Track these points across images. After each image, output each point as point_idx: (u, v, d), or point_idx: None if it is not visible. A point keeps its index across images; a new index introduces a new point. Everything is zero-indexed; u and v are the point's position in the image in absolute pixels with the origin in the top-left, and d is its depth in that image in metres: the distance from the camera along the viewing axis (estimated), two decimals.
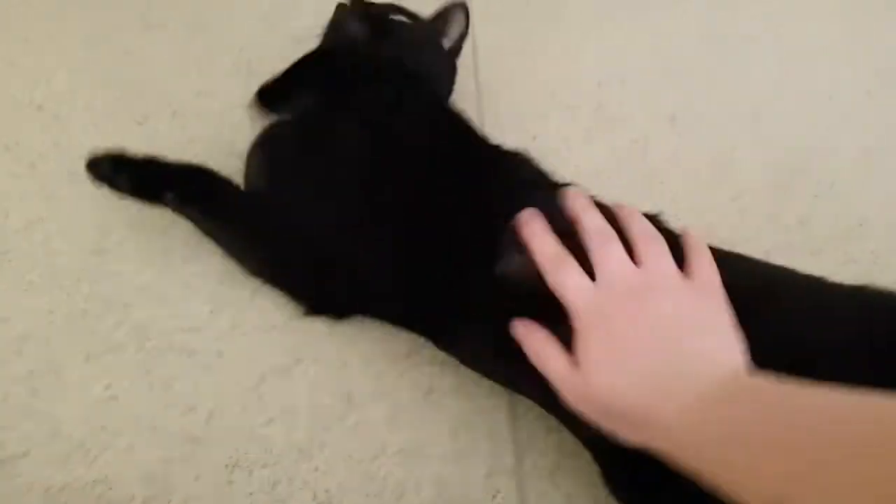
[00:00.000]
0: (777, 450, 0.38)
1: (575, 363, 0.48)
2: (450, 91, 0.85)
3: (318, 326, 0.71)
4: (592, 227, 0.53)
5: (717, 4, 1.07)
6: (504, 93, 0.93)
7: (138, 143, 0.82)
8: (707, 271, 0.51)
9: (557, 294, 0.51)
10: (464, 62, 0.96)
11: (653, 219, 0.57)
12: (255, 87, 0.80)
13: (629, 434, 0.47)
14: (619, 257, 0.51)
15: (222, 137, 0.85)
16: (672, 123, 0.91)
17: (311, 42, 0.84)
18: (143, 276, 0.74)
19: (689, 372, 0.45)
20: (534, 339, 0.52)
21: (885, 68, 1.00)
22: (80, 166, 0.69)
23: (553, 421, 0.63)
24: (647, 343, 0.47)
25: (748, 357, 0.47)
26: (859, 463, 0.34)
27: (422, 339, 0.70)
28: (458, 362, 0.68)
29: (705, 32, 1.03)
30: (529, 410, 0.66)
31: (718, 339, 0.48)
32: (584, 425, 0.50)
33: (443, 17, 0.85)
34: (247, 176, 0.75)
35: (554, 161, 0.85)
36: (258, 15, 1.00)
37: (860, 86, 0.97)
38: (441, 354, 0.69)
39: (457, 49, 0.86)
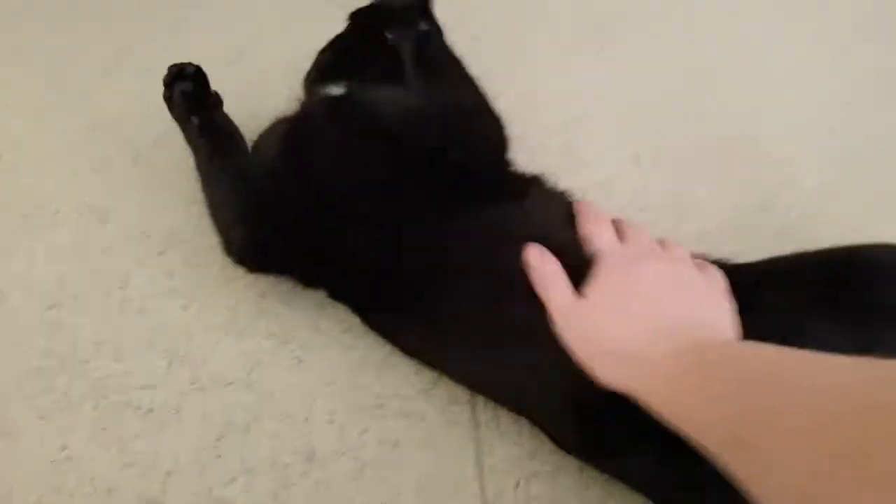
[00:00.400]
0: (741, 392, 0.42)
1: (577, 296, 0.53)
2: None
3: (280, 380, 0.69)
4: (599, 213, 0.61)
5: (679, 40, 1.08)
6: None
7: (97, 190, 0.82)
8: (715, 272, 0.58)
9: (587, 240, 0.57)
10: None
11: None
12: None
13: (609, 371, 0.50)
14: (641, 232, 0.59)
15: (181, 185, 0.84)
16: (636, 163, 0.91)
17: (275, 79, 0.82)
18: (99, 331, 0.72)
19: (682, 327, 0.50)
20: (544, 267, 0.55)
21: (849, 102, 1.01)
22: (36, 213, 0.68)
23: (521, 475, 0.62)
24: (652, 295, 0.52)
25: (738, 330, 0.52)
26: (813, 413, 0.36)
27: (389, 390, 0.69)
28: (424, 413, 0.67)
29: (668, 68, 1.04)
30: (498, 463, 0.64)
31: (716, 312, 0.53)
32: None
33: None
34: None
35: None
36: (224, 58, 0.99)
37: (823, 122, 0.98)
38: (408, 405, 0.68)
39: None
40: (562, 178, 0.88)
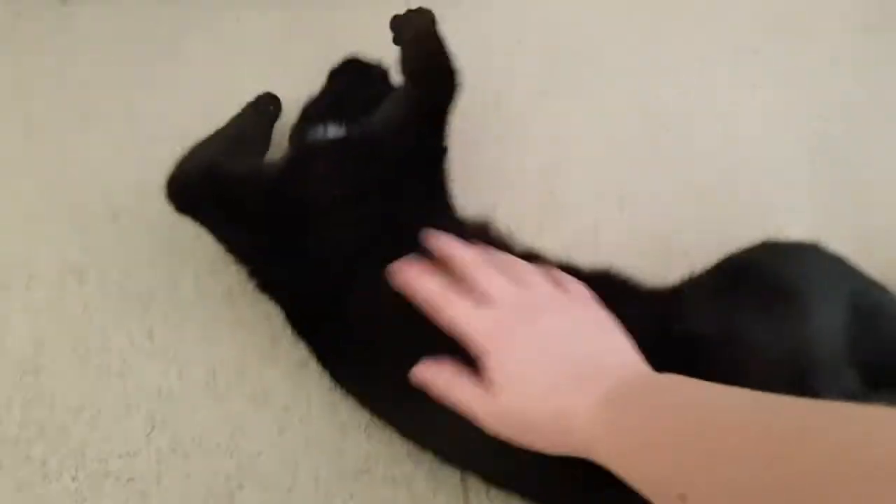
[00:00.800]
0: (676, 443, 0.41)
1: (485, 387, 0.51)
2: None
3: (263, 444, 0.68)
4: (466, 258, 0.57)
5: (652, 84, 1.08)
6: (452, 182, 0.92)
7: (74, 248, 0.80)
8: (579, 287, 0.57)
9: (452, 329, 0.53)
10: None
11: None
12: None
13: (550, 445, 0.49)
14: (499, 280, 0.55)
15: (161, 241, 0.83)
16: (621, 208, 0.90)
17: None
18: (78, 396, 0.70)
19: (593, 373, 0.48)
20: (439, 376, 0.53)
21: (829, 137, 1.02)
22: (10, 275, 0.66)
23: None
24: (548, 351, 0.50)
25: (639, 353, 0.51)
26: (752, 460, 0.36)
27: (375, 453, 0.68)
28: (411, 477, 0.66)
29: (646, 109, 1.03)
30: None
31: (612, 341, 0.52)
32: None
33: None
34: None
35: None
36: (200, 105, 0.98)
37: (805, 160, 0.98)
38: (395, 469, 0.67)
39: None
40: (546, 224, 0.88)
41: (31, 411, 0.69)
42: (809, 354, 0.58)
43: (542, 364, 0.50)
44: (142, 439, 0.68)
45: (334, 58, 1.01)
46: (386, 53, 0.98)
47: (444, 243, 0.60)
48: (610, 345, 0.53)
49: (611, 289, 0.61)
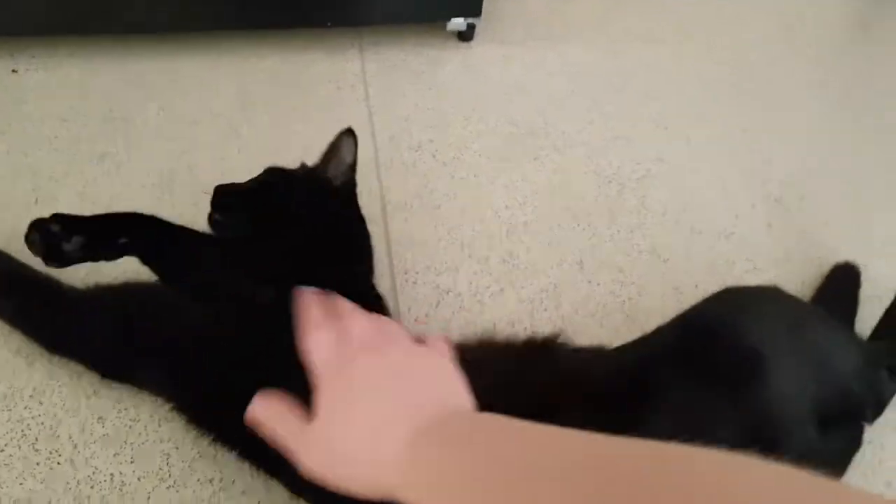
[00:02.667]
0: (488, 484, 0.40)
1: (308, 420, 0.50)
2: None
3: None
4: (318, 306, 0.57)
5: (607, 147, 1.10)
6: (415, 248, 0.93)
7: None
8: (436, 340, 0.55)
9: (303, 355, 0.53)
10: (373, 218, 0.95)
11: None
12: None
13: (365, 487, 0.47)
14: (355, 320, 0.55)
15: None
16: (581, 269, 0.91)
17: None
18: (25, 488, 0.67)
19: (412, 412, 0.47)
20: (268, 409, 0.52)
21: (783, 196, 1.04)
22: None
23: None
24: (372, 391, 0.49)
25: (472, 401, 0.50)
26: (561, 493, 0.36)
27: None
28: None
29: (600, 173, 1.05)
30: None
31: (443, 385, 0.51)
32: None
33: (334, 148, 0.86)
34: None
35: (467, 315, 0.85)
36: (154, 181, 0.97)
37: (761, 218, 1.00)
38: None
39: (348, 179, 0.86)
40: (507, 286, 0.88)
41: None
42: (774, 422, 0.58)
43: (366, 399, 0.49)
44: None
45: (287, 124, 1.03)
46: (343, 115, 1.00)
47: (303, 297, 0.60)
48: (436, 386, 0.52)
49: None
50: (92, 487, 0.68)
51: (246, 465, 0.70)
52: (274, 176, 0.85)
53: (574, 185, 1.03)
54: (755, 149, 1.13)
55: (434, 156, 1.07)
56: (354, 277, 0.78)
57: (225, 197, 0.82)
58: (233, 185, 0.84)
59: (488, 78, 1.22)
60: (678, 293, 0.89)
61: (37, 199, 0.94)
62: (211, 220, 0.83)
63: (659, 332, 0.70)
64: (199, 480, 0.69)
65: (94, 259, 0.66)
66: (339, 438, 0.49)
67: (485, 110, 1.15)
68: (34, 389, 0.74)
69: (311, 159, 0.91)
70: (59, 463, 0.69)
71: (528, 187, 1.02)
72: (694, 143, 1.12)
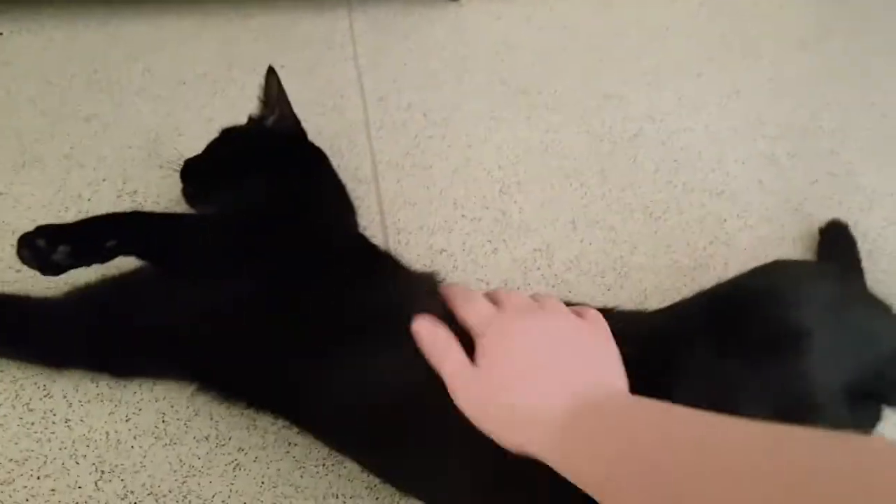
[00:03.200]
0: (641, 469, 0.41)
1: (471, 365, 0.52)
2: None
3: (217, 487, 0.66)
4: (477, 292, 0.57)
5: (600, 105, 1.10)
6: (407, 208, 0.92)
7: (16, 292, 0.78)
8: (596, 315, 0.56)
9: (462, 320, 0.55)
10: (364, 177, 0.95)
11: None
12: None
13: (509, 434, 0.49)
14: (518, 296, 0.56)
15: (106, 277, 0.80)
16: (574, 228, 0.91)
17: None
18: (21, 447, 0.67)
19: (570, 383, 0.49)
20: (435, 336, 0.54)
21: (775, 153, 1.04)
22: None
23: None
24: (538, 353, 0.51)
25: (627, 385, 0.51)
26: (723, 487, 0.37)
27: (334, 489, 0.66)
28: None
29: (593, 132, 1.05)
30: None
31: (604, 362, 0.52)
32: None
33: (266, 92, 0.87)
34: None
35: (461, 275, 0.85)
36: (141, 142, 0.96)
37: (752, 176, 1.00)
38: None
39: (284, 114, 0.87)
40: (500, 245, 0.88)
41: None
42: (807, 399, 0.57)
43: (526, 359, 0.51)
44: (90, 488, 0.65)
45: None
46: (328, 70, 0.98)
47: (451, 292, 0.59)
48: (598, 363, 0.53)
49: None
50: (87, 446, 0.68)
51: (243, 422, 0.70)
52: (229, 136, 0.86)
53: (566, 144, 1.02)
54: (746, 106, 1.13)
55: (425, 115, 1.06)
56: (336, 218, 0.80)
57: (190, 168, 0.83)
58: (197, 156, 0.85)
59: (478, 36, 1.21)
60: (670, 251, 0.89)
61: (24, 163, 0.92)
62: (184, 194, 0.83)
63: (699, 297, 0.68)
64: (195, 438, 0.69)
65: (87, 264, 0.66)
66: (501, 392, 0.50)
67: (475, 69, 1.14)
68: None
69: (302, 120, 0.91)
70: (53, 422, 0.69)
71: (521, 146, 1.02)
72: (685, 101, 1.12)
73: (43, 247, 0.63)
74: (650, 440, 0.43)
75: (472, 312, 0.55)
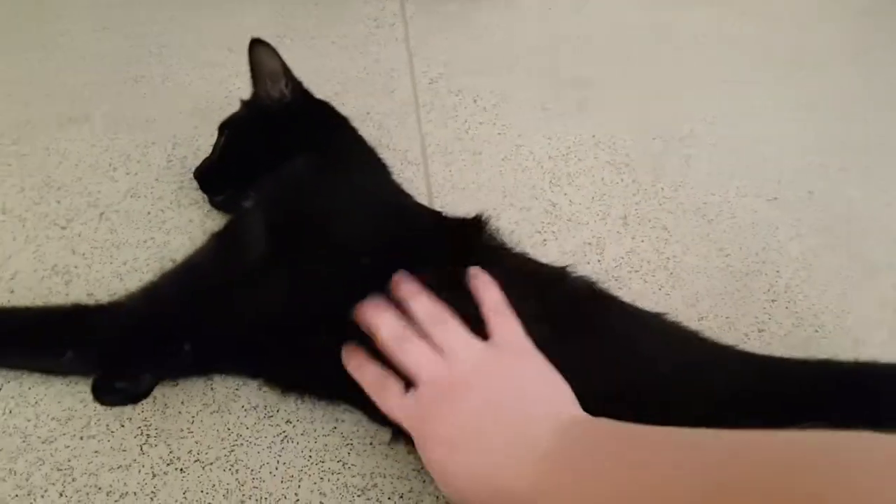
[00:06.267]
0: (624, 486, 0.41)
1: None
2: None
3: (264, 457, 0.64)
4: (388, 334, 0.56)
5: (654, 105, 1.08)
6: (455, 194, 0.91)
7: (61, 250, 0.76)
8: (508, 329, 0.55)
9: (389, 416, 0.55)
10: (414, 161, 0.94)
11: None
12: (189, 186, 0.76)
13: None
14: (423, 357, 0.55)
15: (154, 241, 0.79)
16: (625, 224, 0.89)
17: None
18: (64, 406, 0.66)
19: (525, 434, 0.48)
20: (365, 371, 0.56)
21: (825, 166, 1.03)
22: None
23: None
24: (474, 429, 0.50)
25: (578, 402, 0.51)
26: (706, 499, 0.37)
27: (382, 468, 0.65)
28: (420, 494, 0.63)
29: (645, 131, 1.04)
30: None
31: (543, 390, 0.52)
32: None
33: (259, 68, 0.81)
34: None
35: None
36: (190, 108, 0.95)
37: (803, 186, 0.99)
38: (402, 486, 0.64)
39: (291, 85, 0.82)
40: (549, 237, 0.87)
41: (12, 421, 0.65)
42: None
43: (469, 443, 0.50)
44: (135, 451, 0.64)
45: (324, 57, 1.00)
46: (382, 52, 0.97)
47: (405, 289, 0.59)
48: (541, 395, 0.52)
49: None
50: (133, 409, 0.67)
51: (290, 394, 0.69)
52: (230, 131, 0.82)
53: (618, 138, 1.01)
54: (797, 116, 1.11)
55: (475, 101, 1.04)
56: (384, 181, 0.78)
57: (204, 178, 0.80)
58: (204, 161, 0.81)
59: (529, 25, 1.20)
60: (723, 254, 0.88)
61: (71, 118, 0.91)
62: (213, 204, 0.81)
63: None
64: (243, 407, 0.68)
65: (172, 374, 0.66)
66: (459, 488, 0.50)
67: (526, 58, 1.13)
68: None
69: (351, 98, 0.89)
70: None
71: (571, 138, 1.01)
72: (737, 106, 1.11)
73: (125, 387, 0.63)
74: (628, 458, 0.43)
75: (399, 413, 0.55)
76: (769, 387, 0.58)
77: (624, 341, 0.61)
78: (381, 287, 0.61)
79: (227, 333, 0.65)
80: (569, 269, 0.70)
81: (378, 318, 0.57)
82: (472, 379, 0.53)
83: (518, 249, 0.72)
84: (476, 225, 0.72)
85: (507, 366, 0.54)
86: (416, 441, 0.53)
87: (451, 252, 0.68)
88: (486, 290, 0.59)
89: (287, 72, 0.80)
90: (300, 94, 0.82)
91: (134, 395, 0.62)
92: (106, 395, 0.62)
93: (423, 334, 0.56)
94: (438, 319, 0.57)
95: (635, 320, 0.66)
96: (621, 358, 0.58)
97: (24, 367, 0.67)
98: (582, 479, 0.44)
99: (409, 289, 0.59)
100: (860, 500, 0.31)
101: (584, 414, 0.50)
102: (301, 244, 0.67)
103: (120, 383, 0.62)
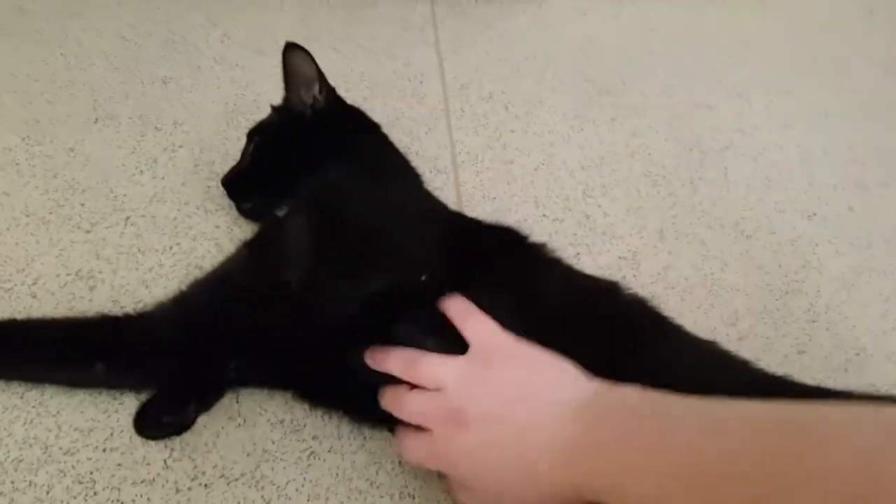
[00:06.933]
0: (653, 456, 0.42)
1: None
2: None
3: (290, 474, 0.62)
4: (395, 365, 0.57)
5: (689, 114, 1.06)
6: (486, 203, 0.89)
7: (85, 254, 0.75)
8: (482, 333, 0.56)
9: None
10: (443, 170, 0.91)
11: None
12: (216, 191, 0.75)
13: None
14: (416, 401, 0.56)
15: (180, 247, 0.78)
16: (661, 238, 0.87)
17: None
18: (87, 416, 0.64)
19: (544, 429, 0.48)
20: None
21: (865, 180, 1.00)
22: (15, 280, 0.60)
23: None
24: (488, 453, 0.51)
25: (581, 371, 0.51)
26: (734, 467, 0.38)
27: (410, 488, 0.63)
28: None
29: (680, 141, 1.01)
30: None
31: (547, 380, 0.52)
32: None
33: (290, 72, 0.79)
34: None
35: None
36: (219, 111, 0.93)
37: (843, 201, 0.96)
38: None
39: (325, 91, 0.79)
40: (584, 250, 0.84)
41: (33, 432, 0.63)
42: None
43: (489, 468, 0.51)
44: (159, 466, 0.62)
45: (351, 60, 0.98)
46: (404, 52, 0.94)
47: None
48: (542, 384, 0.52)
49: None
50: None
51: (318, 410, 0.67)
52: (260, 138, 0.79)
53: (653, 149, 0.99)
54: (836, 128, 1.09)
55: (507, 108, 1.02)
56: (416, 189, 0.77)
57: (233, 185, 0.78)
58: (232, 168, 0.79)
59: (562, 31, 1.18)
60: (763, 272, 0.85)
61: (96, 119, 0.90)
62: (241, 212, 0.79)
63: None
64: (269, 421, 0.66)
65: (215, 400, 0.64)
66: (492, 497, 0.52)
67: (558, 64, 1.11)
68: (94, 311, 0.71)
69: (379, 103, 0.87)
70: (122, 393, 0.66)
71: (605, 149, 0.98)
72: (775, 118, 1.08)
73: (172, 421, 0.61)
74: (656, 426, 0.44)
75: (414, 456, 0.56)
76: None
77: (676, 367, 0.59)
78: (424, 299, 0.60)
79: (263, 347, 0.63)
80: (620, 284, 0.68)
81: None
82: (464, 401, 0.53)
83: (564, 260, 0.70)
84: (519, 234, 0.70)
85: (498, 369, 0.54)
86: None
87: (496, 263, 0.67)
88: (448, 303, 0.59)
89: (322, 77, 0.77)
90: (333, 100, 0.79)
91: (179, 428, 0.60)
92: (151, 429, 0.60)
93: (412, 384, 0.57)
94: (410, 363, 0.57)
95: (687, 345, 0.63)
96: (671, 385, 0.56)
97: (52, 380, 0.65)
98: (619, 447, 0.45)
99: (377, 356, 0.59)
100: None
101: (594, 383, 0.51)
102: (342, 254, 0.64)
103: (167, 417, 0.60)
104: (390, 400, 0.58)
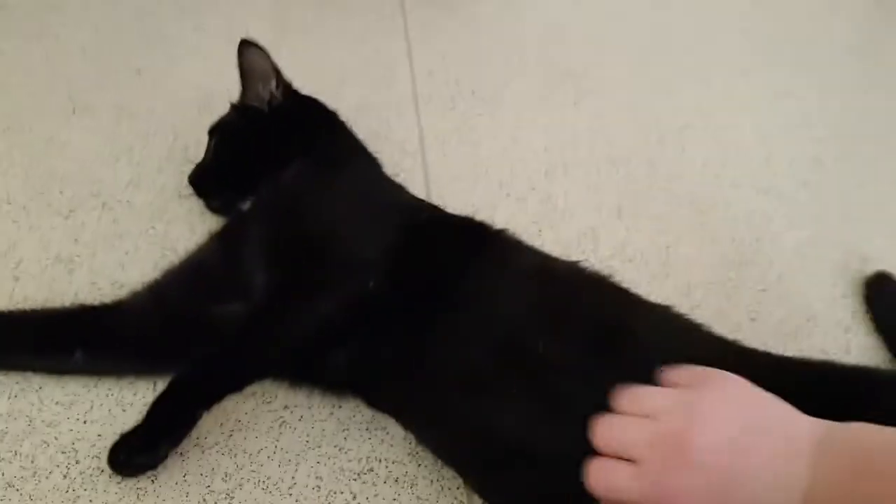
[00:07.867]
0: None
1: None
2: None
3: (262, 443, 0.66)
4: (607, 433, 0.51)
5: (649, 96, 1.09)
6: (452, 184, 0.92)
7: (63, 239, 0.78)
8: (712, 377, 0.50)
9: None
10: (411, 152, 0.95)
11: None
12: None
13: None
14: (634, 430, 0.49)
15: (156, 231, 0.81)
16: (619, 215, 0.91)
17: None
18: (67, 390, 0.67)
19: (779, 471, 0.44)
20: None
21: (821, 156, 1.03)
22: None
23: None
24: (712, 482, 0.45)
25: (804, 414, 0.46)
26: None
27: (378, 453, 0.66)
28: (414, 478, 0.64)
29: (640, 122, 1.05)
30: None
31: (770, 419, 0.47)
32: None
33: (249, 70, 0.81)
34: None
35: None
36: (192, 99, 0.96)
37: (798, 176, 1.00)
38: (397, 470, 0.66)
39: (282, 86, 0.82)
40: (546, 227, 0.88)
41: (17, 405, 0.66)
42: None
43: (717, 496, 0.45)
44: None
45: (323, 49, 1.01)
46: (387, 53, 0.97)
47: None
48: (768, 413, 0.47)
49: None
50: (134, 394, 0.68)
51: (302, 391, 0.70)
52: (220, 136, 0.82)
53: (614, 131, 1.02)
54: (794, 107, 1.12)
55: (473, 92, 1.05)
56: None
57: (200, 182, 0.80)
58: (197, 166, 0.82)
59: (527, 16, 1.21)
60: (716, 245, 0.89)
61: (74, 109, 0.93)
62: (210, 209, 0.81)
63: None
64: (241, 393, 0.68)
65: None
66: None
67: (524, 49, 1.14)
68: (75, 295, 0.74)
69: (350, 90, 0.90)
70: (101, 377, 0.69)
71: (568, 130, 1.02)
72: (734, 98, 1.11)
73: (145, 461, 0.61)
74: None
75: (630, 497, 0.47)
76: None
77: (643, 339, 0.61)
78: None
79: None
80: (581, 263, 0.70)
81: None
82: (685, 424, 0.47)
83: (528, 244, 0.73)
84: (482, 222, 0.73)
85: (720, 393, 0.48)
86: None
87: (460, 251, 0.69)
88: (676, 372, 0.53)
89: (278, 72, 0.80)
90: (290, 94, 0.82)
91: (153, 466, 0.63)
92: (125, 468, 0.62)
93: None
94: (632, 398, 0.51)
95: (652, 316, 0.65)
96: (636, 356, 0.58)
97: (33, 367, 0.68)
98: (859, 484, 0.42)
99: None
100: None
101: (821, 421, 0.46)
102: (298, 252, 0.68)
103: (140, 458, 0.61)
104: (599, 428, 0.50)
